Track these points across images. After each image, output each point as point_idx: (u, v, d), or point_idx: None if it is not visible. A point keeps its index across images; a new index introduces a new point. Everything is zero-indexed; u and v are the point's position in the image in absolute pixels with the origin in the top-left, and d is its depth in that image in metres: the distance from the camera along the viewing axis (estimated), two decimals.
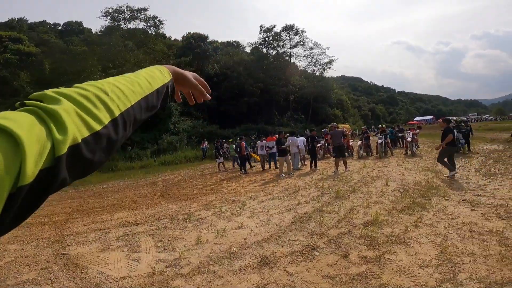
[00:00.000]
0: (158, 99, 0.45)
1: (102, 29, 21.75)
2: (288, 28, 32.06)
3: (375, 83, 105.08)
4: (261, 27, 32.20)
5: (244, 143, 10.04)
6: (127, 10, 20.41)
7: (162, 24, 22.06)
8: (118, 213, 5.88)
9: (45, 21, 45.72)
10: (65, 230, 4.86)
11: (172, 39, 40.28)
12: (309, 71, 37.38)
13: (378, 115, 62.62)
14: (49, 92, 0.30)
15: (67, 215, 6.15)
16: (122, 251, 3.59)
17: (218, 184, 8.61)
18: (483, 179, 6.06)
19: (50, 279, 2.88)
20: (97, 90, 0.34)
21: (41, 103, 0.28)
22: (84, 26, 36.17)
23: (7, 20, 36.56)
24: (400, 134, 13.52)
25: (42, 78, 19.62)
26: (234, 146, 11.08)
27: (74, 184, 11.24)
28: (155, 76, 0.46)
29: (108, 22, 20.72)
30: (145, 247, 3.67)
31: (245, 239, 3.63)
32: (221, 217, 4.82)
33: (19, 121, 0.25)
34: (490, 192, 4.95)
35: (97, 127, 0.31)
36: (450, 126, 6.73)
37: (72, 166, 0.28)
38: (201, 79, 0.58)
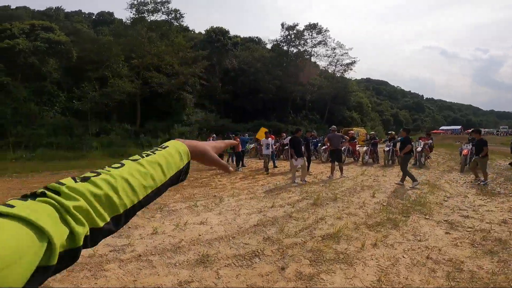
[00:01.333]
0: (168, 185, 0.45)
1: (128, 21, 22.57)
2: (312, 27, 31.28)
3: (402, 88, 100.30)
4: (282, 25, 31.70)
5: (239, 139, 10.02)
6: (151, 2, 21.00)
7: (183, 17, 22.44)
8: None
9: (81, 10, 48.39)
10: None
11: (197, 32, 40.96)
12: (329, 71, 36.43)
13: (401, 121, 59.81)
14: (65, 189, 0.34)
15: None
16: None
17: (210, 178, 8.70)
18: (482, 199, 5.66)
19: None
20: (108, 189, 0.37)
21: (59, 197, 0.33)
22: (115, 16, 37.76)
23: (45, 9, 39.13)
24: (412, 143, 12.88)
25: (69, 66, 20.83)
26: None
27: (80, 166, 11.88)
28: (172, 163, 0.46)
29: (133, 14, 21.47)
30: None
31: (199, 235, 3.65)
32: (192, 211, 4.87)
33: (44, 217, 0.30)
34: (481, 213, 4.61)
35: (100, 224, 0.35)
36: (409, 136, 7.38)
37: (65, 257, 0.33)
38: (227, 142, 0.60)
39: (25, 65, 17.94)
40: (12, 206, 0.29)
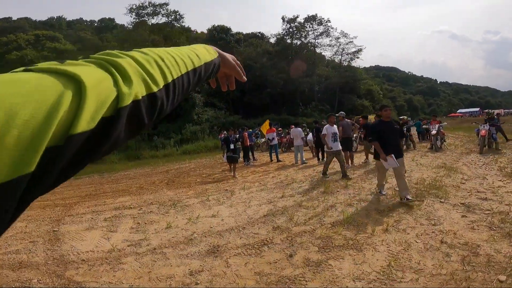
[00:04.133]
0: (205, 73, 0.47)
1: (130, 25, 23.08)
2: (311, 19, 30.79)
3: (414, 73, 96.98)
4: (283, 18, 31.40)
5: (246, 133, 10.04)
6: (149, 6, 21.37)
7: (183, 18, 22.68)
8: (121, 198, 6.37)
9: (82, 18, 49.70)
10: (70, 211, 5.43)
11: (199, 32, 41.18)
12: (336, 60, 35.78)
13: (415, 106, 58.05)
14: (113, 51, 0.32)
15: (80, 198, 6.83)
16: (102, 230, 3.94)
17: (222, 174, 8.82)
18: (501, 180, 5.35)
19: (30, 250, 3.30)
20: (155, 55, 0.36)
21: (107, 57, 0.30)
22: (117, 22, 38.60)
23: (46, 18, 40.33)
24: (424, 127, 12.44)
25: None
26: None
27: (100, 170, 12.37)
28: (203, 52, 0.47)
29: (134, 18, 21.93)
30: (122, 228, 3.98)
31: (211, 227, 3.74)
32: (204, 205, 4.98)
33: (84, 68, 0.25)
34: (500, 195, 4.35)
35: (154, 89, 0.32)
36: (369, 122, 7.03)
37: (128, 123, 0.28)
38: (238, 62, 0.60)
39: None
40: (37, 66, 0.24)
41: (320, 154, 9.17)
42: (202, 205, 4.97)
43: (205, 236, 3.43)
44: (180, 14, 22.22)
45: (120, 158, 17.00)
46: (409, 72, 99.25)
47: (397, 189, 4.90)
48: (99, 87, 0.24)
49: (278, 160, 10.06)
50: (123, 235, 3.69)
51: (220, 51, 0.54)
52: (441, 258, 2.55)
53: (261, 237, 3.28)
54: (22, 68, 0.23)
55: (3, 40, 19.97)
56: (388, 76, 78.73)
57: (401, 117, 13.33)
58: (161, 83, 0.34)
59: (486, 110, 12.14)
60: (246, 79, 0.60)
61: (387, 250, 2.77)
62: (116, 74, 0.27)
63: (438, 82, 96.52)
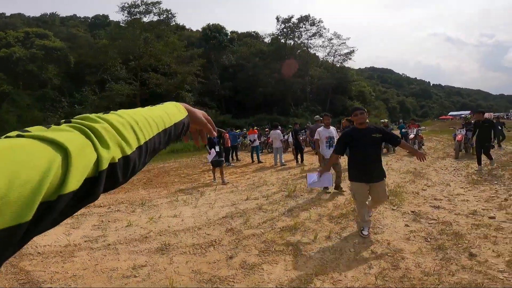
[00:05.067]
0: (174, 133, 0.49)
1: (122, 23, 23.02)
2: (304, 19, 31.06)
3: (407, 75, 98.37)
4: (277, 18, 31.60)
5: (228, 134, 10.23)
6: (141, 4, 21.35)
7: (174, 16, 22.75)
8: None
9: (76, 15, 49.23)
10: None
11: (194, 30, 41.13)
12: (329, 61, 36.14)
13: (408, 108, 58.77)
14: (91, 115, 0.35)
15: None
16: (66, 227, 4.10)
17: (201, 174, 8.98)
18: (463, 187, 5.39)
19: None
20: (130, 119, 0.38)
21: (85, 122, 0.33)
22: (111, 19, 38.37)
23: (39, 15, 39.94)
24: (403, 130, 12.70)
25: (69, 71, 21.45)
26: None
27: None
28: (173, 112, 0.50)
29: (126, 16, 21.93)
30: (85, 225, 4.16)
31: (169, 227, 3.92)
32: (171, 205, 5.15)
33: (68, 135, 0.29)
34: (454, 204, 4.35)
35: (128, 151, 0.35)
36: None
37: (105, 181, 0.32)
38: (209, 117, 0.61)
39: (24, 72, 18.63)
40: (27, 132, 0.27)
41: (299, 157, 9.37)
42: (169, 205, 5.14)
43: (160, 235, 3.61)
44: (172, 13, 22.31)
45: None
46: (403, 74, 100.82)
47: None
48: (82, 153, 0.28)
49: (259, 162, 10.20)
50: (84, 231, 3.87)
51: (190, 108, 0.57)
52: (362, 270, 2.59)
53: (211, 238, 3.47)
54: (15, 133, 0.27)
55: None
56: (383, 77, 79.64)
57: (382, 120, 13.61)
58: (135, 146, 0.37)
59: (464, 115, 12.45)
60: (216, 134, 0.62)
61: (321, 257, 2.85)
62: (95, 139, 0.31)
63: (431, 85, 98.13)
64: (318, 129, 5.86)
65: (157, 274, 2.66)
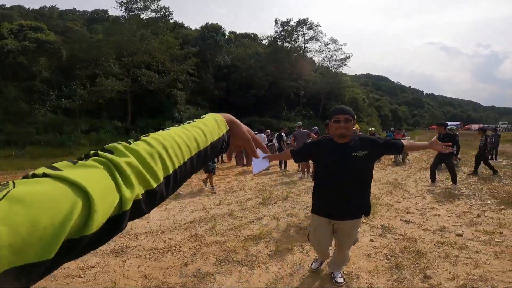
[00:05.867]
0: (212, 152, 0.45)
1: (121, 19, 22.81)
2: (302, 23, 31.29)
3: (402, 84, 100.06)
4: (276, 21, 31.73)
5: None
6: (140, 1, 21.23)
7: (172, 14, 22.66)
8: None
9: (75, 8, 48.78)
10: None
11: (193, 28, 41.02)
12: (324, 66, 36.47)
13: (400, 117, 59.62)
14: (119, 146, 0.34)
15: None
16: None
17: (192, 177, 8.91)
18: (438, 201, 5.35)
19: None
20: (160, 147, 0.36)
21: (112, 155, 0.32)
22: (110, 14, 38.13)
23: (38, 7, 39.52)
24: None
25: (60, 65, 21.14)
26: None
27: None
28: (211, 129, 0.46)
29: (123, 12, 21.74)
30: None
31: (132, 229, 3.88)
32: None
33: (92, 176, 0.29)
34: (425, 218, 4.30)
35: (154, 185, 0.34)
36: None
37: (130, 215, 0.32)
38: (254, 134, 0.55)
39: (14, 64, 18.29)
40: (59, 170, 0.28)
41: (282, 162, 9.39)
42: None
43: (120, 237, 3.56)
44: (170, 10, 22.24)
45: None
46: (397, 82, 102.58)
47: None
48: (104, 197, 0.28)
49: (243, 164, 10.19)
50: None
51: (234, 121, 0.52)
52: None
53: (172, 243, 3.44)
54: (42, 171, 0.28)
55: None
56: (377, 85, 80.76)
57: (369, 129, 13.80)
58: (162, 177, 0.35)
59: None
60: (259, 156, 0.55)
61: (277, 271, 2.77)
62: (119, 178, 0.31)
63: (424, 94, 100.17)
64: (294, 133, 6.19)
65: (104, 276, 2.63)
